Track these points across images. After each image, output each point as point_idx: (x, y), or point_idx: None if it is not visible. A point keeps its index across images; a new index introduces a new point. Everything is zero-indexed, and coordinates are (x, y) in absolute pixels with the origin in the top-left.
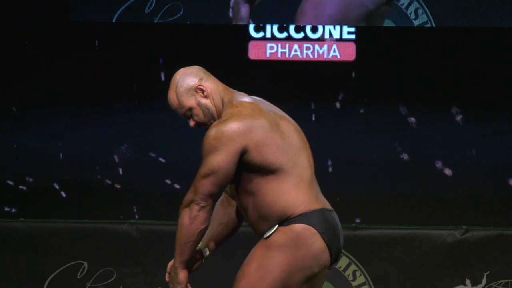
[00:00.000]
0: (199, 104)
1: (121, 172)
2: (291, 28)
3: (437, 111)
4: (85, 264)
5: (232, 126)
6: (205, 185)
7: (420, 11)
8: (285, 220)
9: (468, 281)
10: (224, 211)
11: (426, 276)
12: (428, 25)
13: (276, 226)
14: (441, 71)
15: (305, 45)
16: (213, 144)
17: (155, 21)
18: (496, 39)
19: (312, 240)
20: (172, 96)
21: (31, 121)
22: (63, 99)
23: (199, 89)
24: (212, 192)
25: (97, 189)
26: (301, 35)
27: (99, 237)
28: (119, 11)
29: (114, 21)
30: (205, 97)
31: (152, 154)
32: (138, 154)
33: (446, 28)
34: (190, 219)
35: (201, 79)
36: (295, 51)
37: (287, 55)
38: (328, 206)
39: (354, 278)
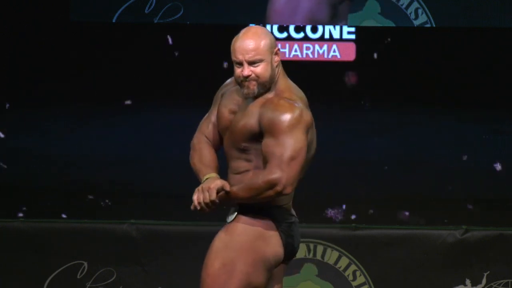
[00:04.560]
0: (271, 63)
1: (121, 172)
2: (291, 28)
3: (437, 111)
4: (85, 264)
5: (306, 112)
6: (294, 168)
7: (420, 11)
8: (264, 207)
9: (468, 281)
10: (212, 151)
11: (426, 276)
12: (428, 25)
13: (236, 212)
14: (441, 71)
15: (305, 45)
16: (294, 125)
17: (155, 21)
18: (496, 39)
19: (272, 233)
20: (254, 40)
21: (31, 121)
22: (63, 99)
23: (277, 54)
24: (298, 176)
25: (97, 189)
26: (301, 35)
27: (99, 237)
28: (119, 11)
29: (114, 21)
30: (276, 64)
31: (153, 154)
32: (138, 154)
33: (446, 28)
34: (268, 198)
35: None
36: (295, 51)
37: (287, 55)
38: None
39: (354, 278)
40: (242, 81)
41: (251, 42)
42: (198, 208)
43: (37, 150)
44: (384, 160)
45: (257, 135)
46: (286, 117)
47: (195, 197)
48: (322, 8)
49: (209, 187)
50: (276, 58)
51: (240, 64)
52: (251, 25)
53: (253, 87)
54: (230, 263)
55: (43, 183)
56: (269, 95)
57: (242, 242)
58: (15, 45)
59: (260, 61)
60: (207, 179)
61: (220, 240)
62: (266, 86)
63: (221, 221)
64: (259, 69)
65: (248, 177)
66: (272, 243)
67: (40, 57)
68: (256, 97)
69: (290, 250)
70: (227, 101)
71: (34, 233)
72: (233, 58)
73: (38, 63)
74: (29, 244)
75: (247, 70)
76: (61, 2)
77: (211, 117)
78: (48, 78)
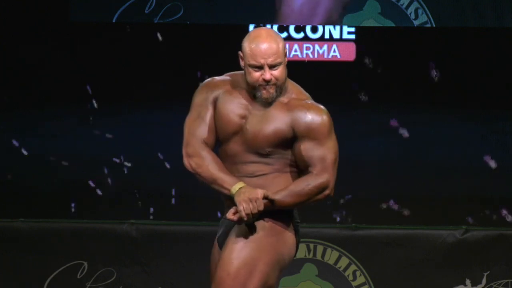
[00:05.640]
0: (285, 64)
1: (121, 172)
2: (291, 28)
3: (437, 111)
4: (85, 264)
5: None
6: (336, 170)
7: (420, 11)
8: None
9: (468, 281)
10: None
11: (426, 276)
12: (428, 25)
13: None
14: (441, 71)
15: (305, 45)
16: (331, 127)
17: (155, 21)
18: (496, 39)
19: (289, 234)
20: (272, 43)
21: (31, 121)
22: (63, 99)
23: (285, 55)
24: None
25: (97, 189)
26: (301, 35)
27: (99, 237)
28: (119, 11)
29: (114, 21)
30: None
31: (152, 154)
32: (138, 154)
33: (446, 28)
34: (316, 201)
35: None
36: (295, 51)
37: (287, 55)
38: None
39: (354, 278)
40: (260, 85)
41: (270, 45)
42: (246, 218)
43: (36, 150)
44: (384, 160)
45: (288, 140)
46: (323, 120)
47: (242, 208)
48: (338, 9)
49: (256, 197)
50: (286, 60)
51: (260, 68)
52: (251, 25)
53: (273, 90)
54: (251, 262)
55: (43, 183)
56: (284, 98)
57: (264, 242)
58: (15, 45)
59: (280, 64)
60: (240, 188)
61: (239, 239)
62: (282, 88)
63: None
64: (278, 72)
65: (271, 181)
66: (289, 243)
67: (40, 57)
68: (277, 96)
69: (298, 247)
70: (231, 105)
71: (34, 233)
72: (252, 62)
73: (38, 63)
74: (29, 244)
75: (268, 74)
76: (61, 2)
77: (206, 121)
78: (48, 78)
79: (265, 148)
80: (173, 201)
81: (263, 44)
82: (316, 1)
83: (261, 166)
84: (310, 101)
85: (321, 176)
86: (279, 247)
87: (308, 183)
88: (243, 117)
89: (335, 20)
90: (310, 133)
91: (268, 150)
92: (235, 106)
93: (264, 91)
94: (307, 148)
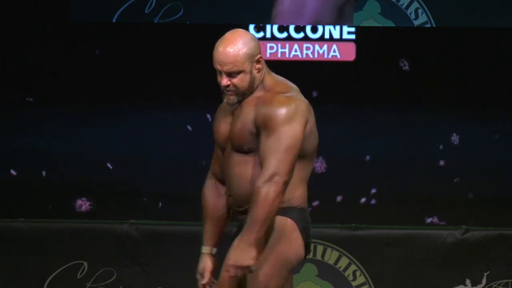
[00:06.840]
0: (251, 72)
1: (121, 172)
2: (291, 28)
3: (437, 111)
4: (85, 264)
5: (302, 101)
6: (287, 159)
7: (420, 11)
8: (281, 208)
9: (468, 281)
10: (217, 203)
11: (426, 276)
12: (428, 25)
13: None
14: (441, 71)
15: (305, 45)
16: (290, 114)
17: (155, 21)
18: (496, 39)
19: (295, 235)
20: (231, 50)
21: (31, 121)
22: (63, 99)
23: (257, 61)
24: (293, 166)
25: (97, 189)
26: (301, 35)
27: (99, 237)
28: (119, 11)
29: (114, 21)
30: (258, 70)
31: (152, 154)
32: (138, 155)
33: (446, 28)
34: (276, 194)
35: (260, 52)
36: (295, 51)
37: (287, 55)
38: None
39: (354, 278)
40: (223, 90)
41: (228, 53)
42: None
43: (37, 150)
44: (384, 160)
45: (256, 135)
46: (282, 111)
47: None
48: (327, 9)
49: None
50: (258, 66)
51: (220, 73)
52: (251, 25)
53: (232, 96)
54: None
55: (43, 183)
56: (259, 93)
57: (268, 244)
58: (15, 45)
59: (238, 72)
60: (202, 254)
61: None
62: (245, 94)
63: None
64: (237, 80)
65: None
66: (295, 244)
67: (40, 57)
68: (244, 98)
69: (308, 250)
70: (220, 115)
71: (34, 233)
72: (214, 65)
73: (38, 63)
74: (29, 244)
75: (225, 80)
76: (61, 2)
77: (216, 146)
78: (48, 78)
79: (243, 147)
80: (173, 201)
81: (222, 51)
82: (315, 1)
83: (245, 166)
84: (281, 94)
85: (266, 172)
86: (284, 249)
87: (258, 186)
88: (229, 122)
89: (342, 19)
90: (265, 124)
91: (247, 148)
92: (223, 115)
93: (225, 96)
94: (262, 140)
